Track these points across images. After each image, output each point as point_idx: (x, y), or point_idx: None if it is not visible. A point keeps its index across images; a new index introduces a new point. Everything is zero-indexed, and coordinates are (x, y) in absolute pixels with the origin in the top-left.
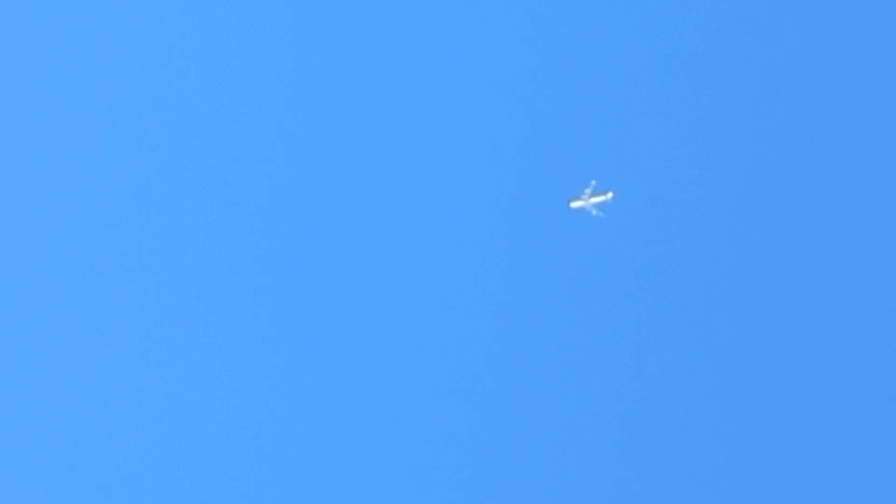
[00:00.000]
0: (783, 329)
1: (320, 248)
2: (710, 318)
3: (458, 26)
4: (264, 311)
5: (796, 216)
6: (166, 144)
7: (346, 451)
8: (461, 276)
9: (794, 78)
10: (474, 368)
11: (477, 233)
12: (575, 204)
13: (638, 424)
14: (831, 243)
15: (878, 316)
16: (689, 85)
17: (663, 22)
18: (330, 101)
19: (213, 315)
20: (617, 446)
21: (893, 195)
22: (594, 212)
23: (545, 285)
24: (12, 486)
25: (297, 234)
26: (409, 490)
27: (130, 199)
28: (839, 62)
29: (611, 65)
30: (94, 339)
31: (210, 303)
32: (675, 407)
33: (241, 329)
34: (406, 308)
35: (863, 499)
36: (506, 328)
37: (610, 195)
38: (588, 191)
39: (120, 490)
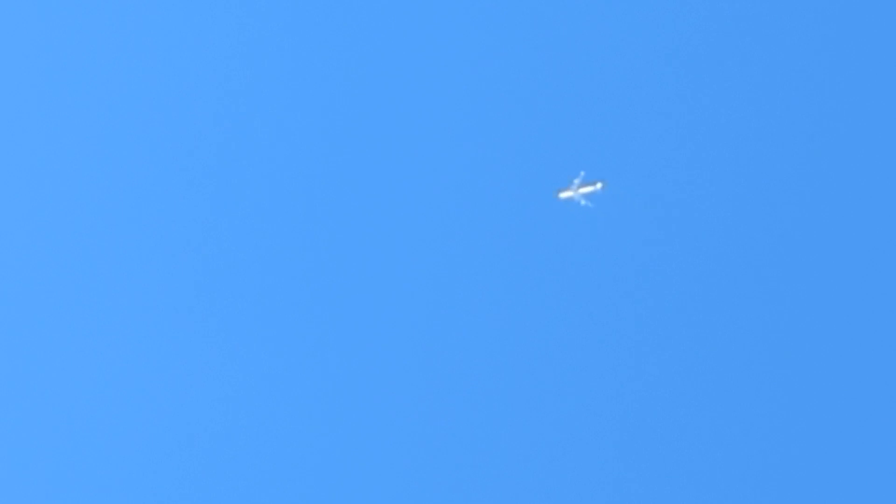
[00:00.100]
0: (774, 319)
1: (308, 231)
2: (701, 310)
3: (443, 17)
4: (256, 303)
5: (784, 205)
6: (166, 144)
7: (345, 448)
8: (448, 267)
9: (779, 66)
10: (460, 357)
11: (465, 223)
12: (563, 195)
13: (625, 412)
14: (821, 231)
15: (868, 298)
16: (677, 75)
17: (648, 12)
18: (317, 88)
19: (213, 315)
20: (605, 438)
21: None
22: (583, 202)
23: (533, 276)
24: (12, 486)
25: (287, 223)
26: (408, 489)
27: (130, 199)
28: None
29: (598, 56)
30: (93, 339)
31: (210, 303)
32: (663, 396)
33: (241, 329)
34: (392, 296)
35: (863, 499)
36: (494, 319)
37: (599, 186)
38: (576, 181)
39: (120, 490)
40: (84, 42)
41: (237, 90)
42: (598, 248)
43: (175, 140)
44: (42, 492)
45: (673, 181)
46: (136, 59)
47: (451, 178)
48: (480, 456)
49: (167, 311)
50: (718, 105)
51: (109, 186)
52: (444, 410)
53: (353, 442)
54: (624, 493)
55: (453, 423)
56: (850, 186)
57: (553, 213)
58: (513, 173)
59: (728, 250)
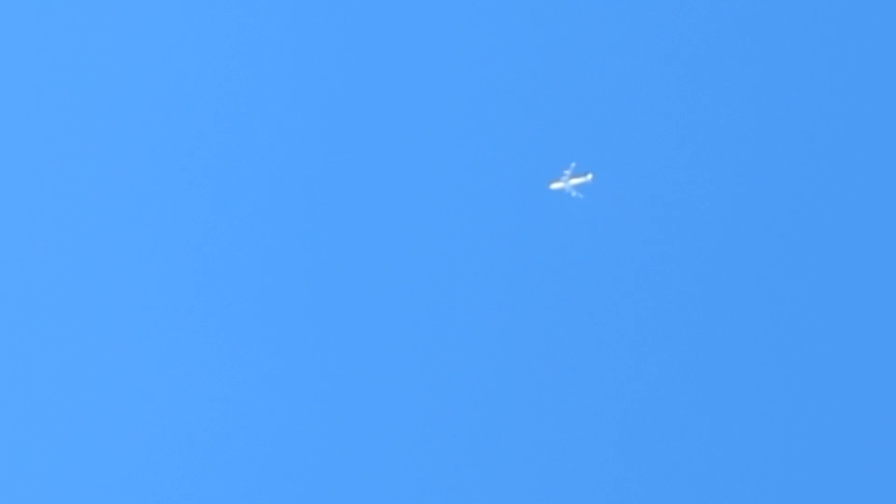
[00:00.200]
0: (764, 310)
1: (301, 213)
2: (691, 300)
3: (435, 14)
4: (255, 301)
5: (775, 196)
6: (166, 144)
7: (342, 447)
8: (441, 257)
9: (770, 60)
10: (452, 344)
11: (458, 214)
12: (554, 185)
13: (616, 400)
14: (811, 223)
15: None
16: (668, 70)
17: (636, 5)
18: (312, 82)
19: (214, 315)
20: (597, 431)
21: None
22: (573, 193)
23: (525, 266)
24: (12, 486)
25: (281, 214)
26: (409, 488)
27: (130, 199)
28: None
29: (590, 50)
30: (94, 338)
31: (210, 302)
32: (653, 383)
33: (242, 328)
34: (384, 284)
35: (863, 499)
36: (486, 308)
37: (589, 177)
38: (567, 172)
39: (120, 490)
40: (84, 42)
41: (236, 90)
42: (589, 238)
43: (175, 140)
44: (42, 492)
45: (663, 172)
46: (136, 59)
47: (445, 170)
48: (467, 440)
49: (167, 312)
50: (707, 97)
51: (109, 186)
52: (433, 397)
53: (346, 434)
54: (615, 486)
55: (441, 408)
56: (838, 175)
57: (544, 203)
58: (504, 165)
59: (719, 241)
